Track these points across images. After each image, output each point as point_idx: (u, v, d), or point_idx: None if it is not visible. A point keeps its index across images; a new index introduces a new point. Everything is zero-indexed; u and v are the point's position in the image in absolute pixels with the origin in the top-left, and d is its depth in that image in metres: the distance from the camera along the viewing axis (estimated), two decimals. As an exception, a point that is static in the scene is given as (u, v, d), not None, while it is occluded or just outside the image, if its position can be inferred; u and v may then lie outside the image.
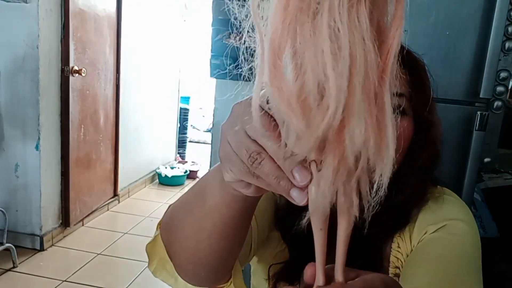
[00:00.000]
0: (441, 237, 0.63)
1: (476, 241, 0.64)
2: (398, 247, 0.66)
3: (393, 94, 0.31)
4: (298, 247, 0.67)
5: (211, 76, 1.48)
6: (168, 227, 0.56)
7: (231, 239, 0.50)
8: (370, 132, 0.29)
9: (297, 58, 0.28)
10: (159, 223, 0.59)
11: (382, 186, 0.31)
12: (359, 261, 0.63)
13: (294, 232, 0.65)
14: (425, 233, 0.64)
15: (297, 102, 0.28)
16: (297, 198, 0.32)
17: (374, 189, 0.31)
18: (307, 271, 0.35)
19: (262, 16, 0.30)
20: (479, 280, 0.60)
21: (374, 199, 0.32)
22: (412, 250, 0.64)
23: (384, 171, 0.31)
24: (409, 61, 0.69)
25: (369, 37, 0.27)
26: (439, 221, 0.64)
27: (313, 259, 0.36)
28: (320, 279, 0.35)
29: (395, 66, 0.30)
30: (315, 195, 0.31)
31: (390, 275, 0.65)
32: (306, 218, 0.33)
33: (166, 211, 0.59)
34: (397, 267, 0.65)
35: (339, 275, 0.35)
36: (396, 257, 0.65)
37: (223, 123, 0.38)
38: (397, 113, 0.32)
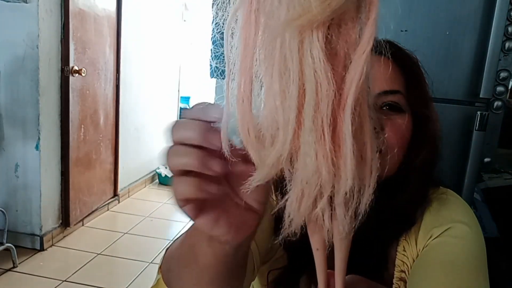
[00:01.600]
0: (446, 242, 0.62)
1: (481, 243, 0.64)
2: (404, 250, 0.65)
3: (370, 117, 0.31)
4: (297, 253, 0.67)
5: (211, 76, 1.48)
6: (167, 276, 0.54)
7: (234, 280, 0.49)
8: (322, 162, 0.29)
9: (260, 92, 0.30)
10: (160, 268, 0.59)
11: (359, 213, 0.32)
12: (364, 265, 0.63)
13: (292, 239, 0.65)
14: (430, 237, 0.63)
15: (253, 133, 0.30)
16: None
17: (349, 214, 0.31)
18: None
19: (232, 46, 0.32)
20: (486, 283, 0.60)
21: (353, 223, 0.32)
22: (418, 253, 0.64)
23: (360, 200, 0.31)
24: (401, 57, 0.69)
25: (322, 68, 0.28)
26: (444, 224, 0.64)
27: (311, 264, 0.37)
28: None
29: (361, 91, 0.30)
30: (286, 220, 0.32)
31: (395, 278, 0.64)
32: (281, 236, 0.34)
33: (164, 256, 0.58)
34: (402, 271, 0.64)
35: None
36: (402, 261, 0.65)
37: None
38: (379, 127, 0.33)
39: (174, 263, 0.52)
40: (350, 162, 0.29)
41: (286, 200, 0.31)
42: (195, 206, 0.35)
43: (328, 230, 0.33)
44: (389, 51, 0.66)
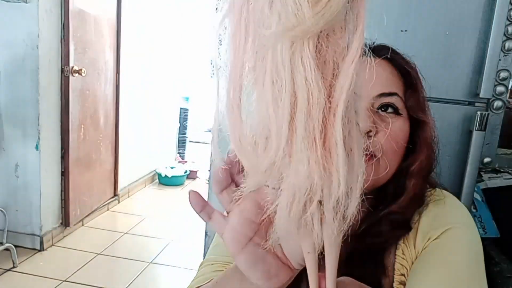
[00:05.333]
0: (444, 244, 0.62)
1: (478, 244, 0.64)
2: (403, 254, 0.65)
3: (357, 124, 0.32)
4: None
5: (211, 76, 1.48)
6: None
7: None
8: (314, 168, 0.30)
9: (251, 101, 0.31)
10: None
11: (347, 216, 0.32)
12: (363, 269, 0.63)
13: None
14: (429, 239, 0.63)
15: (244, 141, 0.31)
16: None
17: (338, 218, 0.32)
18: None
19: (220, 54, 0.32)
20: (484, 284, 0.60)
21: (342, 227, 0.33)
22: (416, 256, 0.64)
23: (348, 204, 0.32)
24: (399, 61, 0.69)
25: (313, 76, 0.28)
26: (442, 226, 0.64)
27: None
28: None
29: (352, 99, 0.31)
30: (276, 224, 0.33)
31: (395, 282, 0.64)
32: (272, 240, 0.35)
33: None
34: (402, 275, 0.64)
35: None
36: (401, 264, 0.65)
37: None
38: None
39: None
40: (343, 168, 0.30)
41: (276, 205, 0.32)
42: (240, 242, 0.37)
43: (317, 234, 0.33)
44: (387, 55, 0.66)
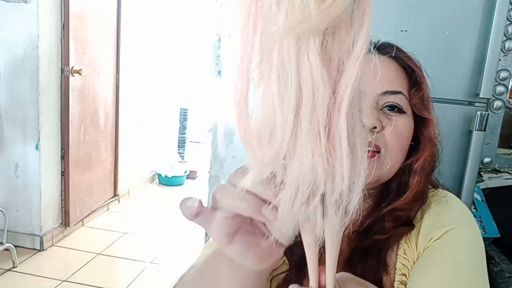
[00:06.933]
0: (446, 244, 0.62)
1: (480, 245, 0.64)
2: (405, 253, 0.65)
3: (361, 122, 0.32)
4: (297, 257, 0.67)
5: (211, 76, 1.48)
6: None
7: None
8: (318, 161, 0.30)
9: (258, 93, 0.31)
10: None
11: (348, 211, 0.33)
12: (365, 266, 0.63)
13: (292, 243, 0.65)
14: (431, 239, 0.64)
15: (250, 134, 0.32)
16: (268, 216, 0.35)
17: (340, 211, 0.33)
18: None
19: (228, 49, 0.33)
20: (486, 284, 0.60)
21: (343, 221, 0.33)
22: (418, 257, 0.64)
23: (350, 198, 0.32)
24: (404, 60, 0.70)
25: (318, 72, 0.29)
26: (444, 226, 0.64)
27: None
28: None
29: (357, 95, 0.31)
30: (279, 216, 0.33)
31: (396, 282, 0.64)
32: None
33: None
34: (403, 274, 0.64)
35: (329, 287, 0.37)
36: (402, 264, 0.65)
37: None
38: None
39: None
40: (347, 162, 0.30)
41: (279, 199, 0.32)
42: (229, 234, 0.37)
43: (320, 228, 0.34)
44: (392, 53, 0.67)
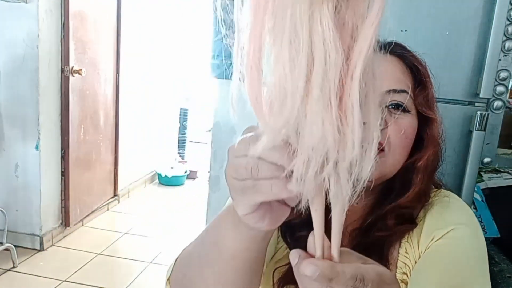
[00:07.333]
0: (448, 244, 0.62)
1: (482, 245, 0.64)
2: (406, 252, 0.65)
3: (373, 91, 0.32)
4: (300, 247, 0.67)
5: (212, 76, 1.48)
6: (182, 283, 0.54)
7: (254, 278, 0.50)
8: (328, 129, 0.30)
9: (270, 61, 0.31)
10: (168, 280, 0.58)
11: (360, 179, 0.32)
12: None
13: (295, 234, 0.65)
14: (433, 239, 0.64)
15: (261, 101, 0.31)
16: (294, 188, 0.34)
17: (352, 179, 0.32)
18: (309, 239, 0.37)
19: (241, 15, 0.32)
20: (487, 284, 0.61)
21: (354, 189, 0.33)
22: (420, 256, 0.64)
23: (361, 167, 0.32)
24: (410, 59, 0.70)
25: (331, 38, 0.28)
26: (446, 226, 0.64)
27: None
28: (318, 252, 0.37)
29: (370, 63, 0.30)
30: (292, 183, 0.33)
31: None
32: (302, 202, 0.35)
33: (173, 266, 0.57)
34: (404, 273, 0.64)
35: (335, 253, 0.37)
36: (404, 263, 0.65)
37: (225, 168, 0.40)
38: (387, 115, 0.33)
39: (191, 264, 0.53)
40: (358, 130, 0.30)
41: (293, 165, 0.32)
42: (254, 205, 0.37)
43: (333, 194, 0.33)
44: (398, 52, 0.67)
